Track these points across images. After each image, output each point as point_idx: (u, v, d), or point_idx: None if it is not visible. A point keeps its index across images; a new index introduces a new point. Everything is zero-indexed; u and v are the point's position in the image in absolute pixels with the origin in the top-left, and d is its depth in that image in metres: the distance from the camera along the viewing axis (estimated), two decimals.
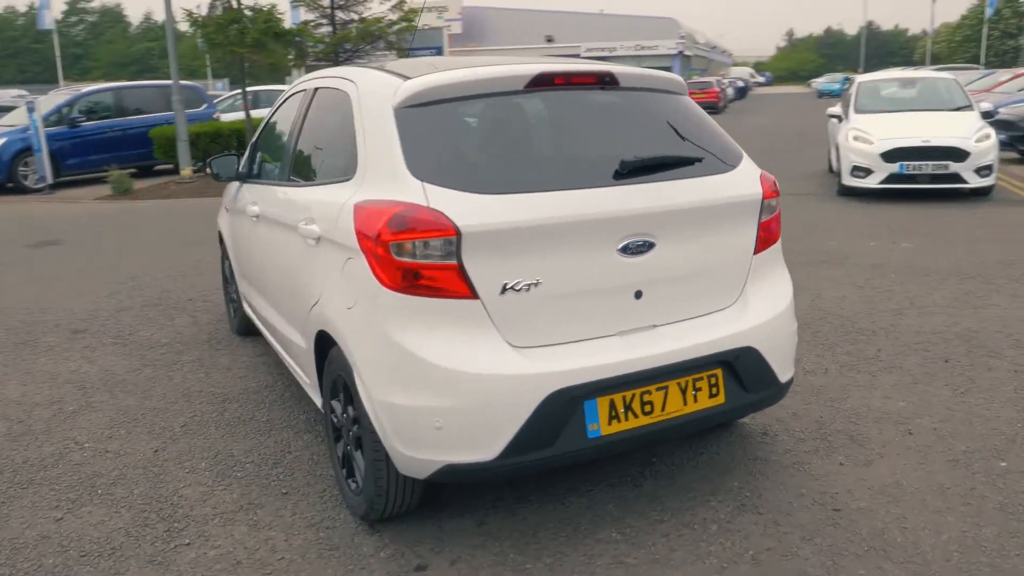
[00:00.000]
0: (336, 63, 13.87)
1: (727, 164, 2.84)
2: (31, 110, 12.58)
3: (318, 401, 3.16)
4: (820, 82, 53.84)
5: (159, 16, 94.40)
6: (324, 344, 2.89)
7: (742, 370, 2.72)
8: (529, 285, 2.42)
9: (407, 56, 13.83)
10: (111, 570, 2.59)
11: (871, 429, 3.43)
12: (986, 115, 9.48)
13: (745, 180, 2.84)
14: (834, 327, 4.76)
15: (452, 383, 2.36)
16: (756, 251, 2.87)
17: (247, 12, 13.20)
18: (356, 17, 14.46)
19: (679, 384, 2.61)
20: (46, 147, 12.83)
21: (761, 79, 73.55)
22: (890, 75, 11.66)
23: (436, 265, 2.35)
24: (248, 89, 14.73)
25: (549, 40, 49.97)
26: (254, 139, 4.34)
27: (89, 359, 4.72)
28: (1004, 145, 10.14)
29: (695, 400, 2.64)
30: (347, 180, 2.74)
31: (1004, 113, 11.52)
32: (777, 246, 3.00)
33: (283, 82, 26.56)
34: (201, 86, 19.03)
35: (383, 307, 2.42)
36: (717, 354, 2.66)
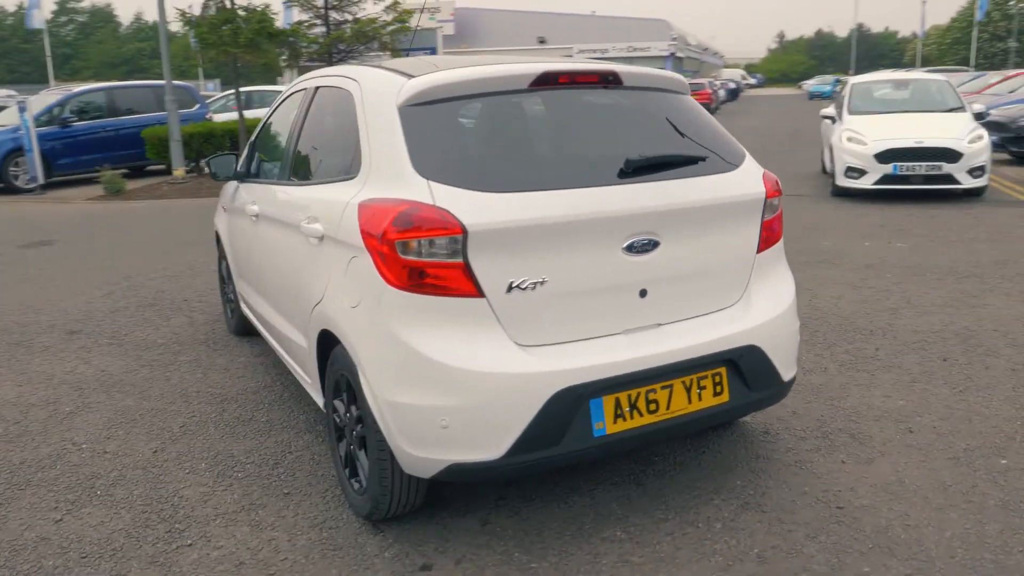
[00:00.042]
0: (330, 63, 13.83)
1: (730, 163, 2.85)
2: (22, 110, 12.49)
3: (320, 401, 3.14)
4: (811, 84, 54.12)
5: (149, 16, 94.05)
6: (326, 343, 2.87)
7: (746, 369, 2.72)
8: (535, 284, 2.41)
9: (400, 56, 13.80)
10: (112, 572, 2.57)
11: (872, 427, 3.44)
12: (978, 116, 9.55)
13: (748, 179, 2.85)
14: (832, 326, 4.78)
15: (458, 382, 2.35)
16: (759, 250, 2.87)
17: (240, 12, 13.15)
18: (350, 18, 14.42)
19: (684, 383, 2.61)
20: (37, 147, 12.75)
21: (753, 81, 73.85)
22: (883, 77, 11.71)
23: (442, 264, 2.35)
24: (240, 89, 14.66)
25: (541, 41, 50.05)
26: (252, 138, 4.32)
27: (85, 360, 4.69)
28: (995, 146, 10.20)
29: (699, 399, 2.64)
30: (350, 179, 2.72)
31: (995, 115, 11.61)
32: (779, 245, 3.01)
33: (275, 83, 26.48)
34: (193, 86, 18.93)
35: (388, 306, 2.41)
36: (721, 353, 2.66)
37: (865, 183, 9.10)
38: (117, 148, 14.19)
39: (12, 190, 13.02)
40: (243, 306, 4.60)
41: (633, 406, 2.52)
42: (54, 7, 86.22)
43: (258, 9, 13.32)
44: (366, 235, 2.47)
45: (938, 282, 5.72)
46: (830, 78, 50.30)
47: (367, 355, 2.50)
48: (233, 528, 2.80)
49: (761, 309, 2.83)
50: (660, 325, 2.65)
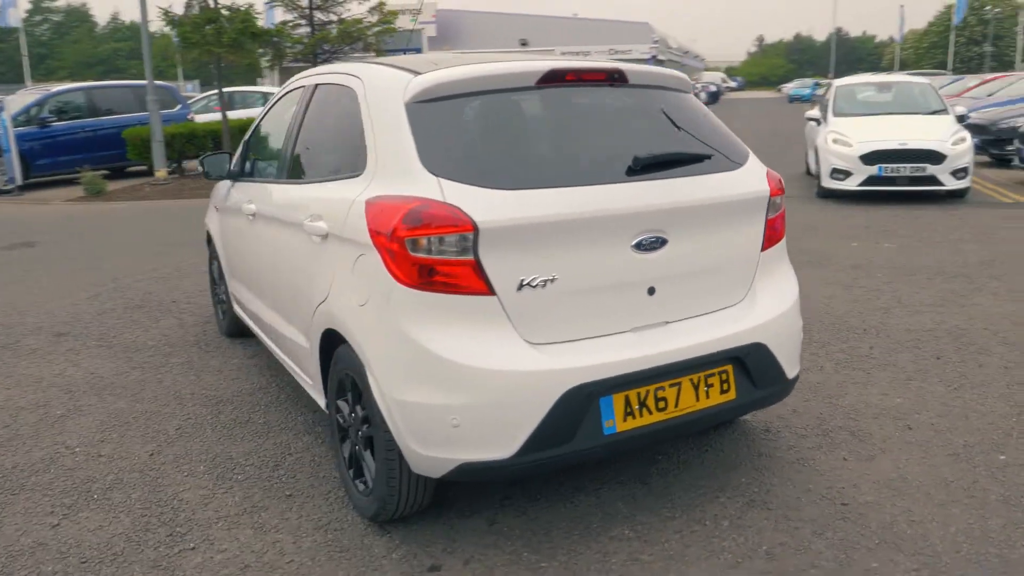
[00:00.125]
0: (314, 64, 13.75)
1: (734, 162, 2.86)
2: (0, 109, 12.28)
3: (321, 402, 3.11)
4: (790, 87, 54.67)
5: (126, 16, 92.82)
6: (330, 343, 2.84)
7: (752, 366, 2.73)
8: (545, 281, 2.40)
9: (384, 56, 13.74)
10: None
11: (871, 425, 3.47)
12: (959, 119, 9.69)
13: (752, 178, 2.86)
14: (825, 326, 4.81)
15: (470, 380, 2.33)
16: (763, 248, 2.89)
17: (224, 12, 13.03)
18: (335, 18, 14.34)
19: (692, 380, 2.61)
20: (15, 147, 12.54)
21: (733, 84, 74.43)
22: (867, 79, 11.85)
23: (452, 261, 2.33)
24: (224, 90, 14.52)
25: (523, 43, 50.08)
26: (246, 137, 4.27)
27: (74, 362, 4.60)
28: (976, 149, 10.36)
29: (707, 396, 2.64)
30: (356, 176, 2.70)
31: (975, 118, 11.78)
32: (782, 243, 3.02)
33: (255, 83, 26.25)
34: (174, 87, 18.72)
35: (398, 304, 2.38)
36: (728, 350, 2.67)
37: (850, 184, 9.20)
38: (97, 149, 13.98)
39: None
40: (236, 307, 4.54)
41: (642, 404, 2.52)
42: (28, 6, 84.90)
43: (241, 9, 13.21)
44: (374, 233, 2.44)
45: (927, 282, 5.79)
46: (809, 81, 50.88)
47: (375, 354, 2.48)
48: (236, 531, 2.76)
49: (766, 307, 2.84)
50: (668, 323, 2.65)
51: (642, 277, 2.56)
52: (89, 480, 3.16)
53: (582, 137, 2.74)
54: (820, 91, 26.21)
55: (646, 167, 2.58)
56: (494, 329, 2.37)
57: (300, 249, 3.04)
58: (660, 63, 53.55)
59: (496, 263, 2.34)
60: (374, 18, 14.39)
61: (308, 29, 14.35)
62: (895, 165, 8.97)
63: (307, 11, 14.28)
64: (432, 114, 2.54)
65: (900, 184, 9.05)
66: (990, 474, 3.02)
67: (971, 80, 18.64)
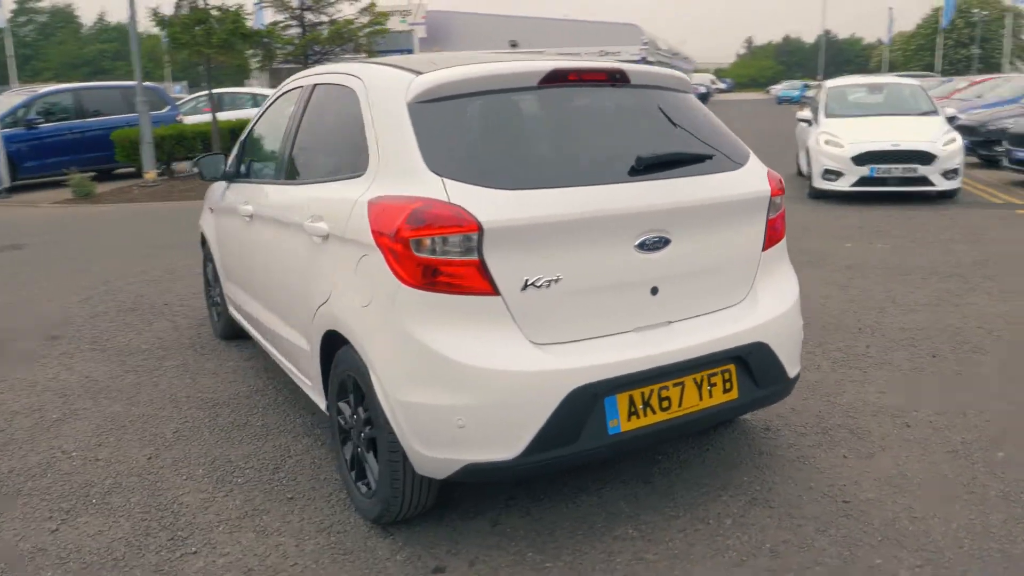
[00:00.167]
0: (305, 65, 13.70)
1: (735, 162, 2.87)
2: None
3: (321, 404, 3.09)
4: (779, 89, 54.94)
5: (113, 17, 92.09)
6: (331, 344, 2.82)
7: (754, 365, 2.73)
8: (550, 281, 2.40)
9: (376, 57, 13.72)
10: None
11: (869, 422, 3.49)
12: (948, 120, 9.77)
13: (753, 178, 2.87)
14: (822, 325, 4.83)
15: (475, 380, 2.33)
16: (764, 248, 2.89)
17: (214, 12, 12.96)
18: (326, 19, 14.30)
19: (695, 380, 2.61)
20: (2, 149, 12.42)
21: (722, 85, 74.66)
22: (858, 81, 11.92)
23: (457, 262, 2.32)
24: (210, 91, 14.44)
25: (513, 45, 50.02)
26: (242, 138, 4.24)
27: (67, 366, 4.56)
28: (965, 150, 10.44)
29: (710, 395, 2.65)
30: (357, 176, 2.68)
31: (964, 119, 11.88)
32: (783, 243, 3.04)
33: (243, 84, 26.12)
34: (163, 88, 18.60)
35: (402, 304, 2.37)
36: (731, 350, 2.67)
37: (842, 185, 9.26)
38: (85, 150, 13.87)
39: None
40: (232, 309, 4.51)
41: (646, 404, 2.52)
42: (13, 6, 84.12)
43: (231, 10, 13.15)
44: (377, 233, 2.43)
45: (922, 282, 5.83)
46: (798, 83, 51.14)
47: (379, 355, 2.46)
48: (238, 534, 2.74)
49: (767, 306, 2.85)
50: (670, 323, 2.65)
51: (645, 277, 2.57)
52: (87, 484, 3.13)
53: (584, 137, 2.74)
54: (810, 92, 26.36)
55: (649, 167, 2.58)
56: (499, 329, 2.37)
57: (300, 250, 3.03)
58: (650, 65, 53.62)
59: (500, 263, 2.34)
60: (365, 19, 14.35)
61: (299, 30, 14.29)
62: (887, 166, 9.04)
63: (298, 12, 14.22)
64: (435, 114, 2.53)
65: (891, 185, 9.12)
66: (989, 471, 3.04)
67: (959, 82, 18.80)
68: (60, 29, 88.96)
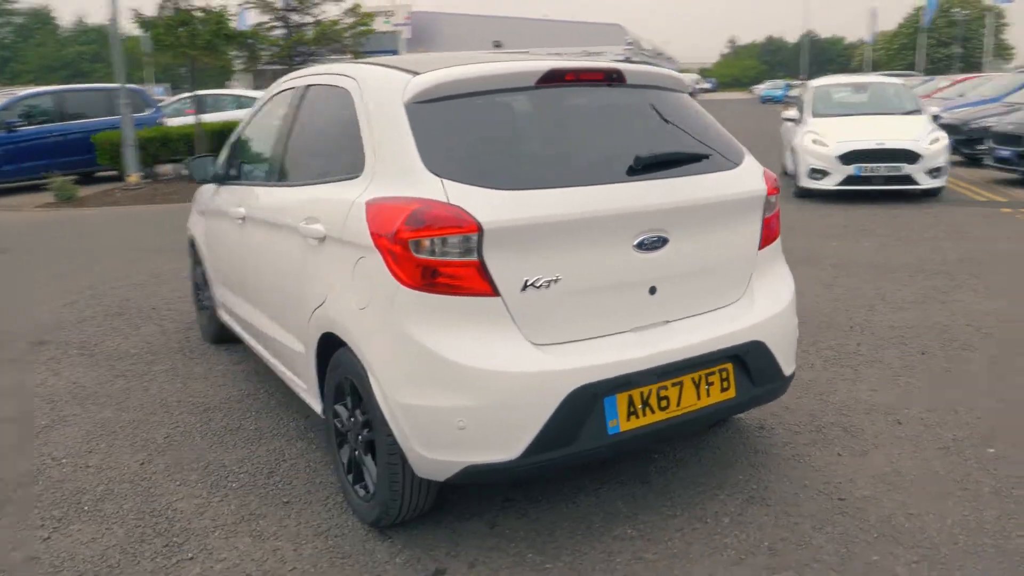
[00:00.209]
0: (290, 66, 13.61)
1: (731, 161, 2.88)
2: None
3: (317, 407, 3.07)
4: (763, 88, 55.35)
5: (92, 19, 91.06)
6: (328, 347, 2.81)
7: (751, 364, 2.75)
8: (549, 282, 2.40)
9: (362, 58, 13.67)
10: None
11: (862, 420, 3.51)
12: (933, 119, 9.88)
13: (749, 177, 2.88)
14: (812, 324, 4.86)
15: (474, 382, 2.32)
16: (760, 247, 2.91)
17: (198, 13, 12.85)
18: (311, 20, 14.23)
19: (693, 379, 2.62)
20: None
21: (707, 85, 75.11)
22: (843, 80, 12.01)
23: (456, 263, 2.31)
24: (194, 93, 14.30)
25: (497, 45, 50.04)
26: (232, 140, 4.21)
27: (55, 371, 4.50)
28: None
29: (708, 394, 2.66)
30: (354, 178, 2.67)
31: (947, 118, 12.02)
32: (778, 242, 3.05)
33: (224, 86, 25.90)
34: (145, 90, 18.40)
35: (401, 306, 2.36)
36: (728, 348, 2.68)
37: (828, 184, 9.33)
38: (66, 154, 13.68)
39: None
40: (222, 313, 4.47)
41: (645, 403, 2.52)
42: None
43: (215, 11, 13.04)
44: (375, 235, 2.42)
45: (909, 279, 5.89)
46: (781, 83, 51.54)
47: (378, 357, 2.45)
48: (234, 540, 2.71)
49: (763, 305, 2.86)
50: (668, 322, 2.65)
51: (644, 277, 2.57)
52: (78, 491, 3.09)
53: (582, 137, 2.74)
54: (792, 92, 26.53)
55: (647, 167, 2.59)
56: (498, 330, 2.36)
57: (295, 252, 3.00)
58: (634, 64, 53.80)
59: (500, 264, 2.33)
60: (350, 20, 14.29)
61: (284, 31, 14.20)
62: (872, 165, 9.12)
63: (283, 13, 14.14)
64: (432, 114, 2.52)
65: (877, 183, 9.21)
66: (981, 467, 3.07)
67: (941, 81, 19.02)
68: (38, 31, 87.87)
